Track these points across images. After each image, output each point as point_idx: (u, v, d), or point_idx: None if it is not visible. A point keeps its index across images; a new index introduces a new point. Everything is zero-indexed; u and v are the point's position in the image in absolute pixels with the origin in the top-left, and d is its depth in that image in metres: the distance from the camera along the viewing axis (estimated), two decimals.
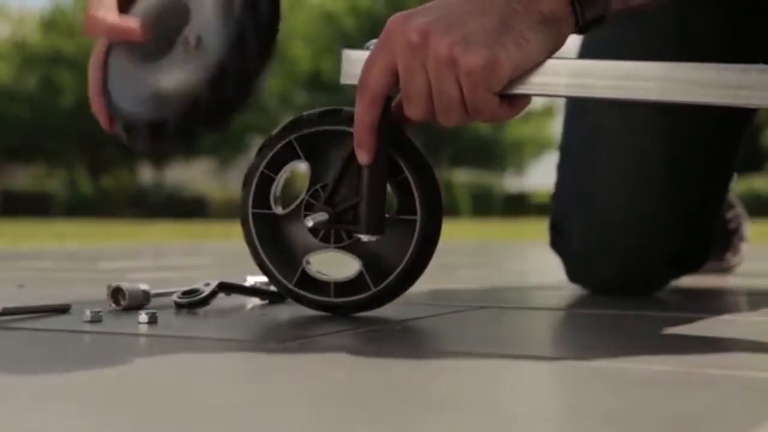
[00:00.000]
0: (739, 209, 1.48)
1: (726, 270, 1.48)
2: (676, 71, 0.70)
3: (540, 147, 21.73)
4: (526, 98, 0.73)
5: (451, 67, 0.69)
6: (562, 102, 1.20)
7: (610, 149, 1.07)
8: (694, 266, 1.13)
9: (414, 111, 0.72)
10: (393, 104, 0.75)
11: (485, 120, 0.73)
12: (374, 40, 0.75)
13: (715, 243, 1.15)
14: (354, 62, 0.75)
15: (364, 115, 0.73)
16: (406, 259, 0.76)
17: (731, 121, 1.10)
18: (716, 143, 1.09)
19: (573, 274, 1.13)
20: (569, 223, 1.11)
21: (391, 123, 0.74)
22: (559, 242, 1.14)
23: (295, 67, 19.86)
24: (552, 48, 0.71)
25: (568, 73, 0.71)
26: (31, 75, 19.93)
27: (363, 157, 0.74)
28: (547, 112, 20.94)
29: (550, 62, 0.71)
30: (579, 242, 1.09)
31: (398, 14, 0.72)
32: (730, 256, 1.48)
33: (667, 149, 1.06)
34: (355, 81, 0.74)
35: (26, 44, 20.21)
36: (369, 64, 0.72)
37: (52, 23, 20.47)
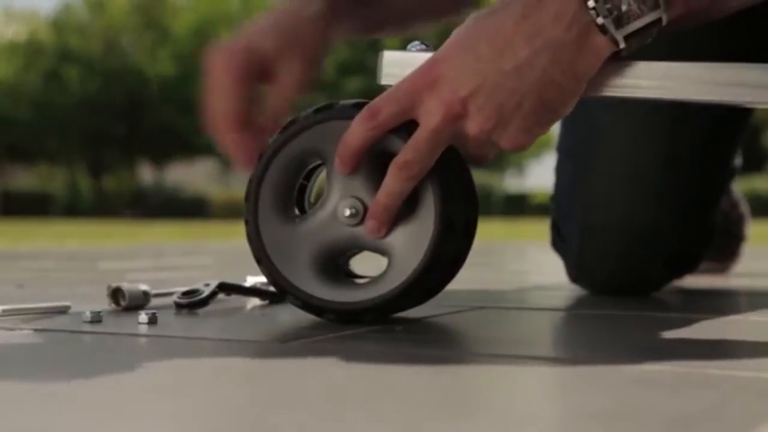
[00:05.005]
0: (743, 208, 1.48)
1: (724, 270, 1.48)
2: (697, 71, 0.70)
3: (539, 147, 21.73)
4: None
5: (486, 144, 0.71)
6: None
7: (608, 150, 1.07)
8: (692, 266, 1.13)
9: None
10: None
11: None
12: (416, 42, 0.74)
13: (714, 242, 1.14)
14: (395, 63, 0.74)
15: (357, 138, 0.72)
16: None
17: (728, 119, 1.10)
18: (713, 142, 1.09)
19: (573, 275, 1.13)
20: (568, 225, 1.11)
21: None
22: (559, 243, 1.14)
23: None
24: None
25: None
26: (34, 74, 19.96)
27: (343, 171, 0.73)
28: None
29: None
30: (578, 244, 1.09)
31: (425, 69, 0.70)
32: (729, 256, 1.48)
33: (664, 149, 1.06)
34: (395, 81, 0.72)
35: (33, 43, 20.25)
36: (390, 96, 0.71)
37: (60, 22, 20.52)
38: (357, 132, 0.71)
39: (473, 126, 0.69)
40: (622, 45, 0.67)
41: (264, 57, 0.85)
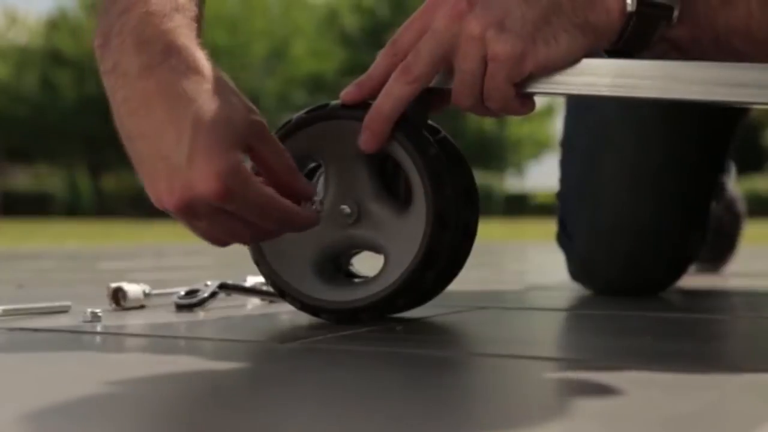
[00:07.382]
0: (738, 207, 1.48)
1: (717, 269, 1.48)
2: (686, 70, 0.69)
3: (540, 147, 21.72)
4: (534, 99, 0.73)
5: (480, 46, 0.69)
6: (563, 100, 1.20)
7: (613, 146, 1.07)
8: (688, 266, 1.13)
9: (421, 73, 0.70)
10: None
11: (495, 109, 0.72)
12: None
13: (707, 241, 1.14)
14: None
15: (386, 76, 0.71)
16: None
17: (725, 118, 1.10)
18: (713, 137, 1.10)
19: (575, 273, 1.13)
20: (574, 223, 1.11)
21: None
22: (564, 240, 1.14)
23: (295, 67, 19.85)
24: (579, 56, 0.70)
25: (585, 72, 0.71)
26: (32, 75, 19.97)
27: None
28: (548, 112, 20.94)
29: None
30: (583, 243, 1.09)
31: None
32: (723, 255, 1.48)
33: (668, 145, 1.06)
34: None
35: (30, 44, 20.26)
36: (408, 23, 0.72)
37: (55, 23, 20.53)
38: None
39: (474, 23, 0.68)
40: (630, 8, 0.68)
41: None
